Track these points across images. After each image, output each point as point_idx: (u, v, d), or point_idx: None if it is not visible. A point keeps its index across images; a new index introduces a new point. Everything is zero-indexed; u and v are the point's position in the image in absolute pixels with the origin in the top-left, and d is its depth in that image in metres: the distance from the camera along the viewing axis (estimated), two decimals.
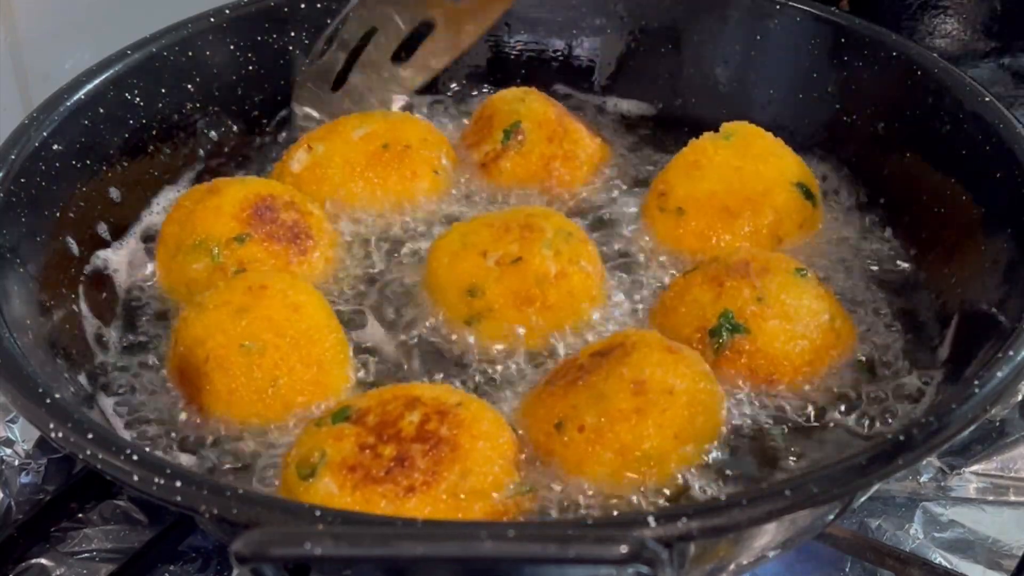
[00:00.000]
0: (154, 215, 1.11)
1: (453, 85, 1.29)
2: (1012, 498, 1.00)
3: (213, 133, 1.17)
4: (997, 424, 1.04)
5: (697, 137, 1.12)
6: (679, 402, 0.86)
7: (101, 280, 1.04)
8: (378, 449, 0.81)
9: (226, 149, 1.19)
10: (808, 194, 1.07)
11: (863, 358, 0.97)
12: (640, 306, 1.02)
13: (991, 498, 1.00)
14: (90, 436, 0.74)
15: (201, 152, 1.17)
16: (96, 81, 1.06)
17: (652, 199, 1.10)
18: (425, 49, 1.24)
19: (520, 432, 0.88)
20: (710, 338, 0.94)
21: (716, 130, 1.11)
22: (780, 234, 1.06)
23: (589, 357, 0.90)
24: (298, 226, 1.04)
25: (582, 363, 0.89)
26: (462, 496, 0.80)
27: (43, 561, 0.95)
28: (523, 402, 0.92)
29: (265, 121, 1.21)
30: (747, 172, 1.06)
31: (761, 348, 0.93)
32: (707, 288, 0.96)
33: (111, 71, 1.08)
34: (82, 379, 0.95)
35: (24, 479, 1.01)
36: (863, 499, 0.90)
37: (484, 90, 1.29)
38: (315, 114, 1.22)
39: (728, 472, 0.87)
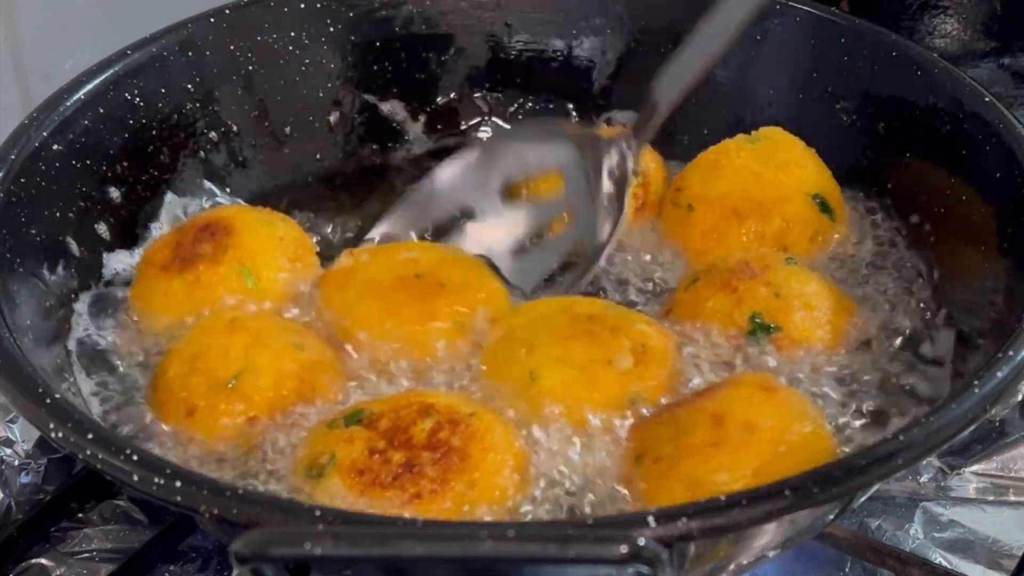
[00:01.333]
0: (154, 215, 1.11)
1: (452, 94, 1.28)
2: (1012, 498, 1.00)
3: (213, 133, 1.17)
4: (997, 424, 1.04)
5: (695, 138, 1.12)
6: (761, 439, 0.81)
7: (101, 280, 1.04)
8: (388, 454, 0.81)
9: (226, 149, 1.19)
10: (825, 207, 1.07)
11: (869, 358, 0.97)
12: (643, 297, 1.04)
13: (991, 498, 1.00)
14: (90, 436, 0.74)
15: (201, 152, 1.17)
16: (96, 81, 1.06)
17: (668, 194, 1.11)
18: None
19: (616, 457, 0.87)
20: (746, 344, 0.94)
21: (718, 131, 1.12)
22: (786, 243, 1.05)
23: (693, 395, 0.89)
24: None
25: (683, 397, 0.89)
26: (467, 507, 0.80)
27: (43, 561, 0.95)
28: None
29: (267, 123, 1.21)
30: (765, 178, 1.06)
31: (796, 340, 0.94)
32: (723, 296, 0.96)
33: (111, 71, 1.07)
34: (82, 379, 0.95)
35: (24, 479, 1.01)
36: (863, 499, 0.90)
37: (485, 91, 1.29)
38: None
39: None
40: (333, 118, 1.24)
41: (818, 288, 0.97)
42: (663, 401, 0.90)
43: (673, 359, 0.92)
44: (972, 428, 0.75)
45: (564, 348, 0.89)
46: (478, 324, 0.97)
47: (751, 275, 0.96)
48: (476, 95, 1.30)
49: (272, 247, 1.04)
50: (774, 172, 1.07)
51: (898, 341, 0.99)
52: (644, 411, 0.89)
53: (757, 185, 1.06)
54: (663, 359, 0.91)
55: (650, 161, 1.16)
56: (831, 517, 0.85)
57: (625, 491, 0.85)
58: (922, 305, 1.02)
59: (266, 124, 1.21)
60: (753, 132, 1.11)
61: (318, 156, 1.23)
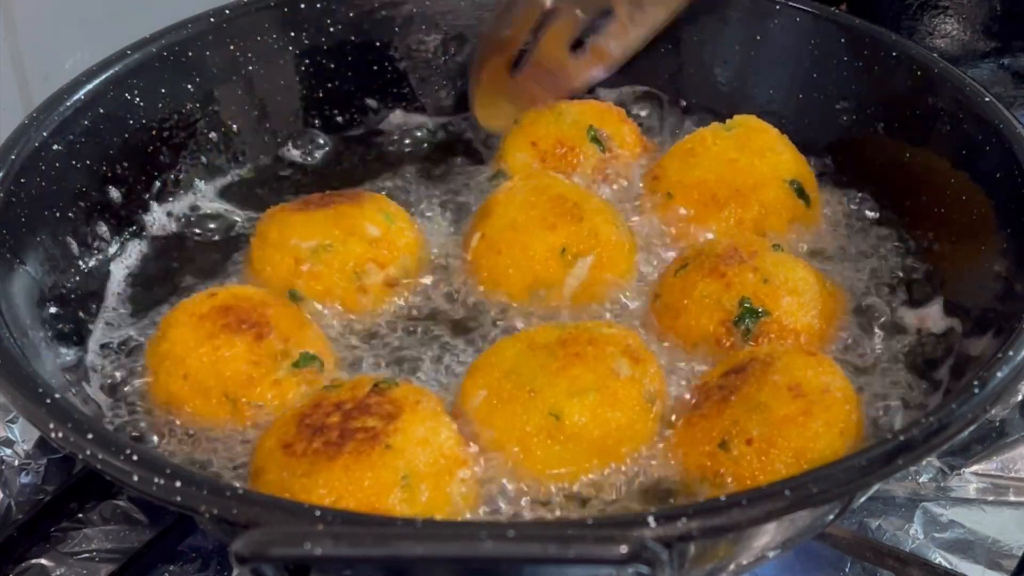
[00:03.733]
0: (154, 215, 1.11)
1: (453, 94, 1.28)
2: (1012, 498, 1.00)
3: (213, 133, 1.17)
4: (997, 424, 1.04)
5: None
6: (837, 399, 0.85)
7: (101, 280, 1.04)
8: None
9: (226, 149, 1.19)
10: (801, 192, 1.08)
11: (861, 360, 0.97)
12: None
13: (991, 498, 1.00)
14: (90, 436, 0.74)
15: (201, 153, 1.17)
16: (96, 81, 1.06)
17: (646, 182, 1.12)
18: (603, 35, 1.22)
19: (671, 462, 0.87)
20: (735, 328, 0.94)
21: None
22: (765, 228, 1.06)
23: (722, 377, 0.88)
24: None
25: (720, 383, 0.88)
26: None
27: (43, 561, 0.95)
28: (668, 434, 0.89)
29: (267, 123, 1.21)
30: (741, 165, 1.07)
31: (786, 325, 0.94)
32: (711, 281, 0.96)
33: (111, 71, 1.07)
34: (82, 379, 0.95)
35: (24, 479, 1.01)
36: (863, 499, 0.90)
37: None
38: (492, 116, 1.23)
39: None
40: (333, 118, 1.24)
41: (805, 275, 0.97)
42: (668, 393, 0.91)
43: (649, 352, 0.92)
44: (972, 428, 0.75)
45: (566, 379, 0.86)
46: (579, 263, 1.00)
47: (739, 260, 0.96)
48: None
49: (404, 212, 1.09)
50: (750, 158, 1.08)
51: (893, 337, 0.99)
52: (659, 405, 0.89)
53: (733, 171, 1.07)
54: (647, 354, 0.91)
55: (626, 133, 1.17)
56: (831, 517, 0.85)
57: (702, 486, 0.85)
58: (919, 303, 1.02)
59: (266, 124, 1.21)
60: (728, 120, 1.12)
61: (318, 156, 1.23)
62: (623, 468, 0.87)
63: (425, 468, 0.81)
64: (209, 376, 0.90)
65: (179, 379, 0.91)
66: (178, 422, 0.91)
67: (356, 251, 1.01)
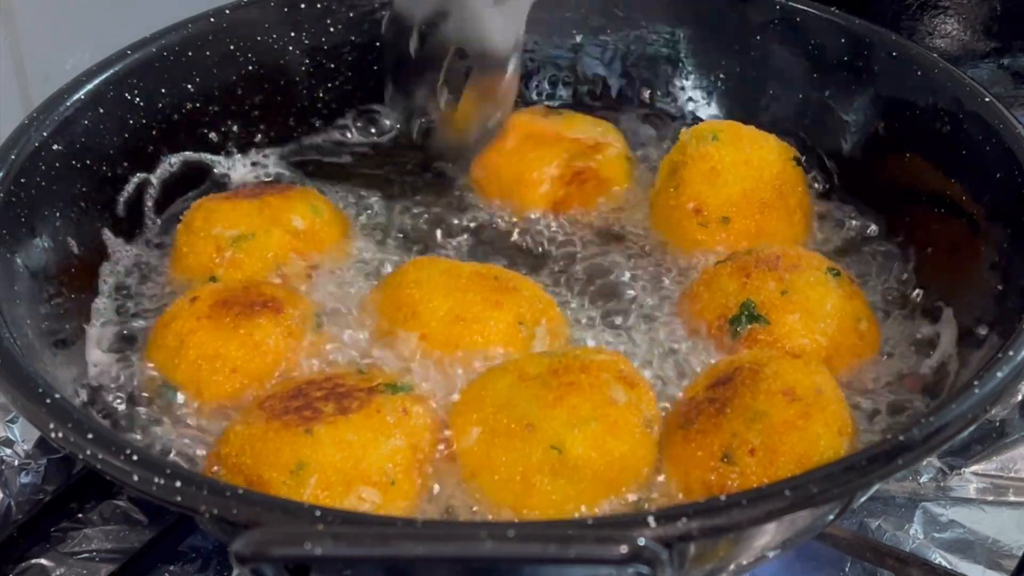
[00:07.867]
0: (153, 216, 1.11)
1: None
2: (1012, 498, 1.00)
3: (213, 134, 1.17)
4: (997, 424, 1.04)
5: None
6: (830, 399, 0.84)
7: (101, 280, 1.04)
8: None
9: (226, 149, 1.19)
10: (799, 161, 1.10)
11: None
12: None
13: (991, 498, 1.00)
14: (90, 436, 0.74)
15: (201, 153, 1.17)
16: (96, 81, 1.06)
17: (682, 217, 1.07)
18: None
19: (672, 483, 0.85)
20: (728, 325, 0.94)
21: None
22: (805, 207, 1.08)
23: (710, 390, 0.86)
24: None
25: (709, 396, 0.86)
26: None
27: (43, 561, 0.95)
28: (664, 455, 0.87)
29: (267, 124, 1.21)
30: (755, 162, 1.06)
31: (778, 339, 0.93)
32: (734, 278, 0.96)
33: (111, 71, 1.08)
34: (82, 379, 0.95)
35: (24, 479, 1.01)
36: (863, 499, 0.90)
37: None
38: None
39: None
40: (333, 119, 1.24)
41: (836, 304, 0.94)
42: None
43: (641, 376, 0.91)
44: (972, 428, 0.75)
45: (565, 411, 0.83)
46: (537, 332, 0.95)
47: (770, 267, 0.96)
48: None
49: (332, 207, 1.11)
50: (758, 153, 1.07)
51: (892, 335, 0.99)
52: (656, 429, 0.87)
53: (759, 171, 1.06)
54: (640, 378, 0.89)
55: (606, 132, 1.16)
56: (831, 517, 0.85)
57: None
58: (918, 302, 1.02)
59: (266, 124, 1.21)
60: (687, 131, 1.10)
61: (318, 156, 1.23)
62: (626, 496, 0.84)
63: (327, 467, 0.80)
64: (254, 360, 0.91)
65: (228, 375, 0.91)
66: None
67: (278, 241, 1.02)
